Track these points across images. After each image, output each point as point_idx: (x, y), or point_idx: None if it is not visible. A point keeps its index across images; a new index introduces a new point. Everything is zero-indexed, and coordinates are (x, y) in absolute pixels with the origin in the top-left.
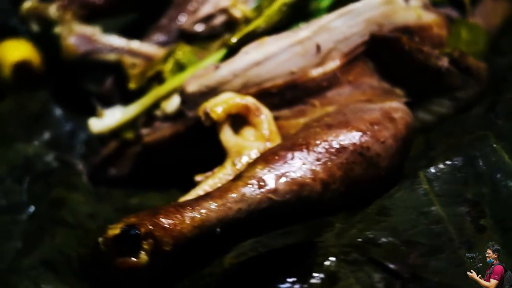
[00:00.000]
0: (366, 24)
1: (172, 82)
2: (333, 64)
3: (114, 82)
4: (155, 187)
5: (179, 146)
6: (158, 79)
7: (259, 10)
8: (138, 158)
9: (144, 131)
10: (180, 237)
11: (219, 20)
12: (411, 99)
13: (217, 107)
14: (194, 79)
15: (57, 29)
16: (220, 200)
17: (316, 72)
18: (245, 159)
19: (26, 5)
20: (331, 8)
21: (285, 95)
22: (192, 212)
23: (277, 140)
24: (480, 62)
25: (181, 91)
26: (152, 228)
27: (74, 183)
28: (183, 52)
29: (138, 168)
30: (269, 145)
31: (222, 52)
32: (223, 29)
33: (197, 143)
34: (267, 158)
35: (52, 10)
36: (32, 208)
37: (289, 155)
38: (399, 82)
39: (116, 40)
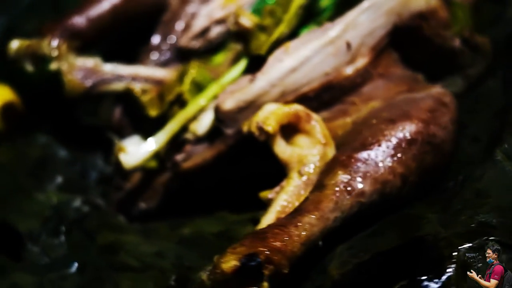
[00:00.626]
0: (387, 15)
1: (197, 102)
2: (363, 59)
3: (123, 112)
4: (195, 213)
5: (222, 167)
6: (179, 102)
7: (272, 15)
8: (168, 187)
9: (178, 157)
10: (292, 257)
11: (215, 32)
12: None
13: (269, 120)
14: (228, 95)
15: (54, 65)
16: (317, 212)
17: (349, 70)
18: (311, 168)
19: (15, 44)
20: (338, 6)
21: (322, 97)
22: (297, 230)
23: (332, 143)
24: (484, 38)
25: (216, 109)
26: (269, 253)
27: (116, 224)
28: (197, 70)
29: (169, 197)
30: (329, 150)
31: (242, 64)
32: (220, 41)
33: (240, 160)
34: (344, 162)
35: (47, 46)
36: (78, 260)
37: (364, 155)
38: (418, 67)
39: (120, 68)
